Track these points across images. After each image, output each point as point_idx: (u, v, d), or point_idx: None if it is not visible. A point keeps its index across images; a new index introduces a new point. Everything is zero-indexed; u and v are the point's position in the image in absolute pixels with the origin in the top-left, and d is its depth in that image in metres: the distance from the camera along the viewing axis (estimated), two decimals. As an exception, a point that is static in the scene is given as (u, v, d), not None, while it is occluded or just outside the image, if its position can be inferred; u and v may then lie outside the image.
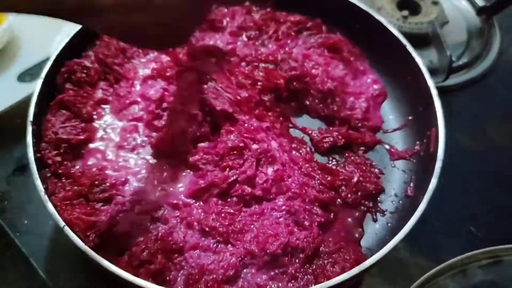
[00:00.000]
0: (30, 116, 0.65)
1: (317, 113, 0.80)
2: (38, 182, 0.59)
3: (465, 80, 0.98)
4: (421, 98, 0.75)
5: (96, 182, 0.64)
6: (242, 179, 0.65)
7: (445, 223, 0.79)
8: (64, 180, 0.64)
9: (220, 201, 0.65)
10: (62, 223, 0.57)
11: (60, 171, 0.65)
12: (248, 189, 0.65)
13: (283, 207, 0.65)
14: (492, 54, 1.03)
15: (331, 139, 0.75)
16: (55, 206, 0.59)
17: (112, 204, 0.63)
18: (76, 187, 0.63)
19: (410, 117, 0.79)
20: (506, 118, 0.97)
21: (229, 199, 0.65)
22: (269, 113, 0.76)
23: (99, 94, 0.73)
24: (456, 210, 0.81)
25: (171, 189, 0.66)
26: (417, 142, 0.75)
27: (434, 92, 0.71)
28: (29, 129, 0.64)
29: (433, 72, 0.83)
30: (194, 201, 0.65)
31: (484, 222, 0.80)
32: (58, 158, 0.65)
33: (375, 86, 0.82)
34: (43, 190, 0.59)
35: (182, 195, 0.65)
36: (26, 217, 0.74)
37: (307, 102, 0.79)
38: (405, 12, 0.99)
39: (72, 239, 0.56)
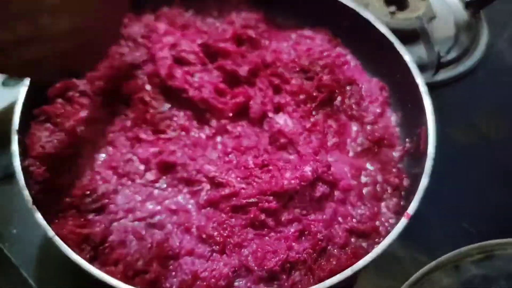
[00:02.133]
0: (16, 125, 0.64)
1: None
2: (26, 192, 0.58)
3: (454, 75, 0.98)
4: (410, 96, 0.74)
5: (88, 192, 0.62)
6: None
7: (438, 219, 0.79)
8: (53, 194, 0.63)
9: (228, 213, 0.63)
10: (51, 233, 0.56)
11: (49, 186, 0.63)
12: (262, 216, 0.63)
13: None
14: (480, 48, 1.04)
15: None
16: (44, 218, 0.58)
17: (105, 214, 0.62)
18: (67, 199, 0.62)
19: (400, 114, 0.79)
20: (496, 111, 0.97)
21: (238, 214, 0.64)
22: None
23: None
24: (448, 205, 0.81)
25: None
26: (407, 140, 0.75)
27: (423, 90, 0.71)
28: (15, 138, 0.63)
29: (422, 68, 0.83)
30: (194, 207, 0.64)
31: (476, 218, 0.80)
32: (48, 174, 0.63)
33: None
34: (31, 200, 0.58)
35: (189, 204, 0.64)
36: (14, 226, 0.73)
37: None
38: (393, 8, 0.99)
39: (63, 250, 0.55)
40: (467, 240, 0.71)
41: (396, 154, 0.74)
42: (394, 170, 0.72)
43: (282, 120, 0.72)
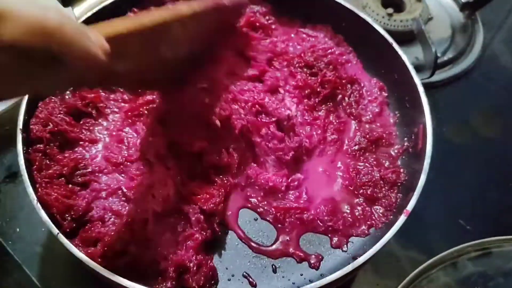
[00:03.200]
0: (20, 124, 0.65)
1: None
2: (30, 190, 0.59)
3: (450, 75, 0.99)
4: (408, 96, 0.75)
5: (80, 166, 0.65)
6: None
7: (435, 217, 0.80)
8: (49, 162, 0.65)
9: None
10: (55, 230, 0.57)
11: (48, 150, 0.65)
12: None
13: None
14: (476, 49, 1.05)
15: None
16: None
17: (89, 190, 0.64)
18: (59, 166, 0.64)
19: (397, 114, 0.80)
20: (490, 111, 0.98)
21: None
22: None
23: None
24: (445, 203, 0.82)
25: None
26: (405, 139, 0.76)
27: (421, 90, 0.72)
28: (19, 137, 0.63)
29: (419, 68, 0.84)
30: None
31: (472, 215, 0.81)
32: (47, 135, 0.66)
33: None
34: (35, 198, 0.59)
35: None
36: (18, 225, 0.74)
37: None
38: (390, 10, 1.00)
39: (66, 246, 0.56)
40: (464, 237, 0.72)
41: (394, 152, 0.75)
42: (391, 167, 0.72)
43: (288, 103, 0.75)
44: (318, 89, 0.77)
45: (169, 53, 0.53)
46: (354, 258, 0.61)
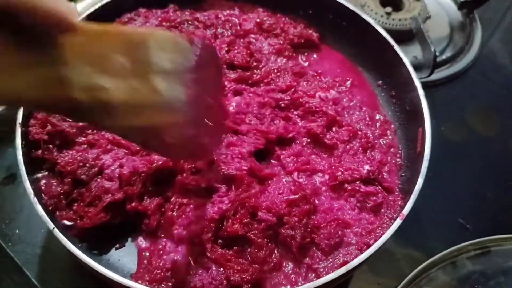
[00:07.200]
0: (19, 118, 0.64)
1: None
2: (27, 184, 0.59)
3: (449, 74, 1.00)
4: (408, 98, 0.75)
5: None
6: None
7: (434, 216, 0.80)
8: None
9: None
10: (51, 225, 0.57)
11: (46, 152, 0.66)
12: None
13: None
14: (474, 47, 1.05)
15: None
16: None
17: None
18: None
19: (397, 116, 0.80)
20: (488, 109, 0.98)
21: None
22: None
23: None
24: (445, 202, 0.82)
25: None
26: (404, 141, 0.76)
27: (421, 93, 0.72)
28: (18, 131, 0.63)
29: (417, 67, 0.84)
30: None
31: (471, 214, 0.81)
32: (45, 137, 0.65)
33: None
34: (32, 192, 0.59)
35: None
36: (18, 226, 0.73)
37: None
38: (389, 9, 1.00)
39: (63, 243, 0.56)
40: (463, 236, 0.73)
41: (392, 153, 0.75)
42: (390, 169, 0.72)
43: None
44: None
45: (162, 85, 0.45)
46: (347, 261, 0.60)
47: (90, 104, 0.41)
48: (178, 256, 0.60)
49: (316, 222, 0.63)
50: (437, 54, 0.91)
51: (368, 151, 0.72)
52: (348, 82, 0.82)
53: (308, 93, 0.76)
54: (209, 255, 0.60)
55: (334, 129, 0.73)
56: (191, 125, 0.48)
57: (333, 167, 0.69)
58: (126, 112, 0.43)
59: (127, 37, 0.44)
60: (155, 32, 0.46)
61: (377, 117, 0.78)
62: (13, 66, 0.39)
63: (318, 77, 0.81)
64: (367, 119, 0.77)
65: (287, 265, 0.62)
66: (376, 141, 0.74)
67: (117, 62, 0.42)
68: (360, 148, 0.72)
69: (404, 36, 0.97)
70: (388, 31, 0.80)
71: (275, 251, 0.62)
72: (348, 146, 0.72)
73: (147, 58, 0.44)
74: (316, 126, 0.72)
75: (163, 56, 0.44)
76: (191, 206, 0.63)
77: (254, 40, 0.83)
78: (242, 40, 0.83)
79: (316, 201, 0.66)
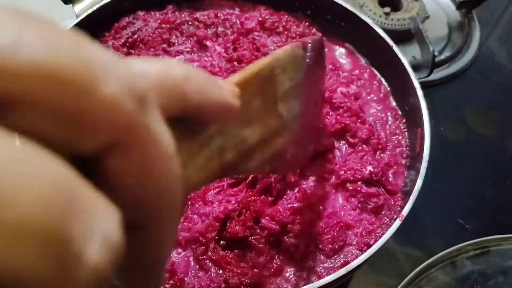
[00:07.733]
0: None
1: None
2: None
3: (447, 74, 1.00)
4: (406, 99, 0.75)
5: None
6: None
7: (433, 216, 0.80)
8: None
9: None
10: None
11: None
12: None
13: None
14: (473, 47, 1.05)
15: None
16: None
17: None
18: None
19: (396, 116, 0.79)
20: (487, 109, 0.99)
21: None
22: None
23: None
24: (444, 202, 0.82)
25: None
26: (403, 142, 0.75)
27: (420, 94, 0.71)
28: None
29: (416, 68, 0.84)
30: None
31: (471, 214, 0.81)
32: None
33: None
34: None
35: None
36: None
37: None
38: (387, 9, 1.00)
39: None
40: (462, 236, 0.73)
41: (391, 154, 0.74)
42: (396, 171, 0.72)
43: None
44: None
45: (284, 108, 0.43)
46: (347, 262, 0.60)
47: (234, 159, 0.37)
48: (177, 257, 0.60)
49: (320, 230, 0.63)
50: (436, 54, 0.92)
51: (377, 152, 0.71)
52: (366, 74, 0.81)
53: (330, 88, 0.75)
54: (211, 255, 0.59)
55: (356, 125, 0.72)
56: (303, 132, 0.46)
57: (338, 166, 0.68)
58: (260, 149, 0.40)
59: (259, 75, 0.40)
60: (277, 54, 0.43)
61: (389, 113, 0.77)
62: (190, 157, 0.33)
63: (336, 72, 0.79)
64: (382, 116, 0.76)
65: (288, 270, 0.61)
66: (388, 144, 0.73)
67: (255, 107, 0.39)
68: (371, 149, 0.71)
69: (403, 36, 0.98)
70: (387, 31, 0.80)
71: (276, 257, 0.61)
72: (360, 148, 0.71)
73: (274, 89, 0.41)
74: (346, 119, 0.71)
75: (284, 78, 0.42)
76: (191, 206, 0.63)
77: (257, 37, 0.83)
78: (245, 38, 0.83)
79: (320, 207, 0.65)
